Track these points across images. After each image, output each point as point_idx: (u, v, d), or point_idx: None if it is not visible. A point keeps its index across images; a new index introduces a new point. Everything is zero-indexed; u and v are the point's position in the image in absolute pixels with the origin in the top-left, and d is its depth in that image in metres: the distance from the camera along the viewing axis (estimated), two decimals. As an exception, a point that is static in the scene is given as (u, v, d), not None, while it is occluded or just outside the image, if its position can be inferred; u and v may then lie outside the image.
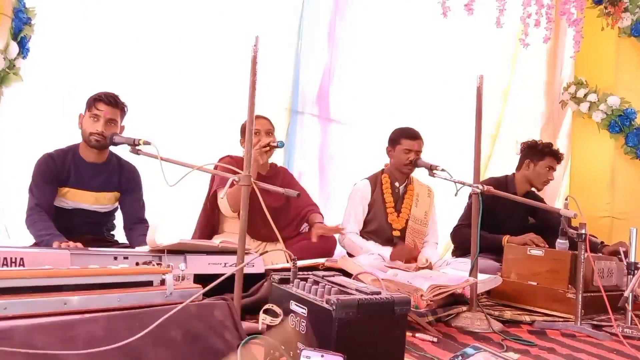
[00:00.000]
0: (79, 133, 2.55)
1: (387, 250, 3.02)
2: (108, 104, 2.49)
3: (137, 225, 2.63)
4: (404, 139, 3.09)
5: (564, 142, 4.85)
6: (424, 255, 3.03)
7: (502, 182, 3.39)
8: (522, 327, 2.25)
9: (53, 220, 2.42)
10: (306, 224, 3.02)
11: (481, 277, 2.32)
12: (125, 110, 2.60)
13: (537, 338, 2.04)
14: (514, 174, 3.52)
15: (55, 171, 2.50)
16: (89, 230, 2.59)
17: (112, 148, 2.60)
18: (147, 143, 1.92)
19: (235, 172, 1.70)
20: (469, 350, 1.42)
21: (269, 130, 2.87)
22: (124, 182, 2.67)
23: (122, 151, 2.61)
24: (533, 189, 3.48)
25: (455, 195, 2.38)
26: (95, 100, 2.49)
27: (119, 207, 2.73)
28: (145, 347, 1.08)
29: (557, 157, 3.44)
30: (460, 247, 3.33)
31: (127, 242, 2.67)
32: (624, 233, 2.68)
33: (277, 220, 1.90)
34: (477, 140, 2.29)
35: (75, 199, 2.55)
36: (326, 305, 1.20)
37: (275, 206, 2.81)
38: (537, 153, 3.41)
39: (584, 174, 4.53)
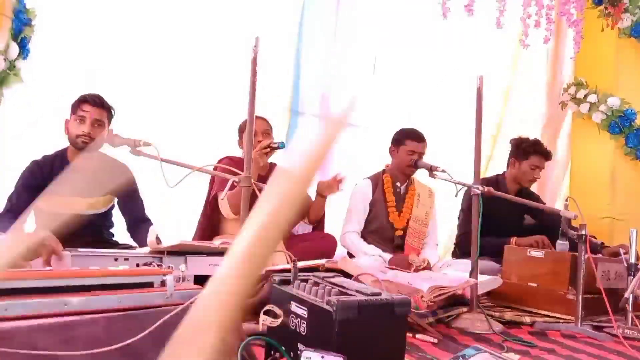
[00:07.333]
0: None
1: (387, 256, 2.99)
2: (94, 104, 2.44)
3: (141, 226, 2.61)
4: (409, 140, 3.08)
5: (564, 143, 4.85)
6: (423, 256, 3.02)
7: (493, 182, 3.30)
8: (522, 328, 2.25)
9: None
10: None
11: (481, 278, 2.32)
12: (113, 112, 2.55)
13: (538, 339, 2.04)
14: (504, 173, 3.50)
15: (41, 179, 2.44)
16: (87, 232, 2.55)
17: (102, 149, 2.53)
18: (147, 144, 1.92)
19: (235, 173, 1.70)
20: (469, 351, 1.42)
21: (266, 131, 2.86)
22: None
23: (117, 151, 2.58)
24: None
25: (456, 196, 2.38)
26: (80, 102, 2.45)
27: (115, 206, 2.70)
28: (146, 348, 1.08)
29: (543, 155, 3.37)
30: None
31: (128, 242, 2.66)
32: (624, 234, 2.68)
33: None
34: (477, 140, 2.29)
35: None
36: (327, 307, 1.20)
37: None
38: (521, 152, 3.39)
39: (584, 175, 4.53)
